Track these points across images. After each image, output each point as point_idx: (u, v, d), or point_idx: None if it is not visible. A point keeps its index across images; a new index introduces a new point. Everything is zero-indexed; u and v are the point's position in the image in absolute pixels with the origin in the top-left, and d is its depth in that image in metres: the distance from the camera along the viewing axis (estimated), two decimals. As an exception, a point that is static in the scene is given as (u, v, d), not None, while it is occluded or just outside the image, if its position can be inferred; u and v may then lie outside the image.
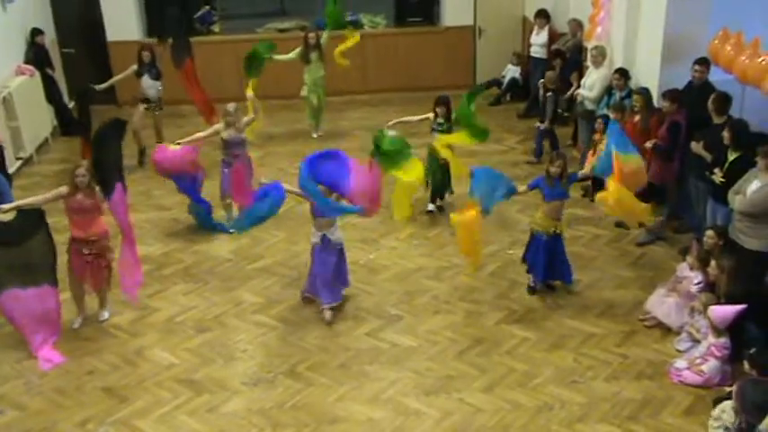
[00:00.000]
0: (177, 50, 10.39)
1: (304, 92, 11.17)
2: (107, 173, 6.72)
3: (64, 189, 6.68)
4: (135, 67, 10.24)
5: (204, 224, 8.72)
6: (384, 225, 8.73)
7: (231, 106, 8.52)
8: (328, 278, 6.99)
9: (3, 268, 6.56)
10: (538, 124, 10.33)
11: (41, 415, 5.99)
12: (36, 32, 11.28)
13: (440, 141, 8.30)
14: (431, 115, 8.74)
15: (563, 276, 7.34)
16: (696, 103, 7.56)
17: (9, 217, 6.61)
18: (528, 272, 7.41)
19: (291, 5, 14.86)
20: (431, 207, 8.99)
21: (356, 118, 12.11)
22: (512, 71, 12.70)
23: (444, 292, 7.48)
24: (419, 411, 5.93)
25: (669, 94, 7.77)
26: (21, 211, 6.66)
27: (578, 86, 9.81)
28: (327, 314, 7.04)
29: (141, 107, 10.38)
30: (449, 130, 8.55)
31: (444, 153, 8.23)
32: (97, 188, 6.75)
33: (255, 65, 10.31)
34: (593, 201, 9.09)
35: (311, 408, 6.01)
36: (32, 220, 6.66)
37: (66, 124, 11.76)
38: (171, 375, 6.40)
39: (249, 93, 9.75)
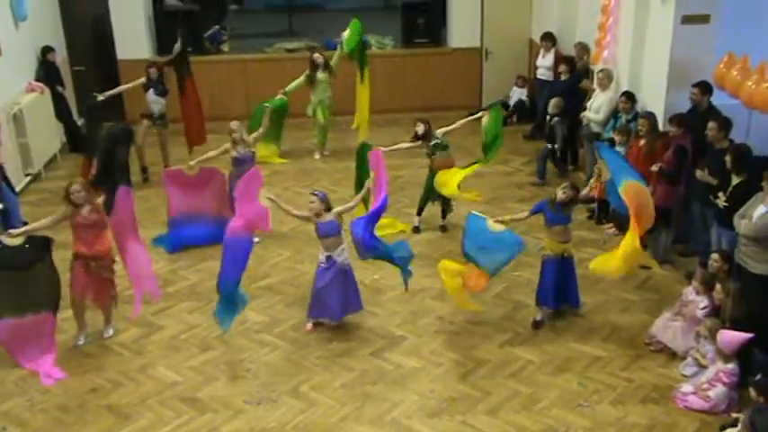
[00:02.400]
0: (179, 75, 10.51)
1: (309, 111, 11.23)
2: (114, 173, 6.69)
3: (68, 210, 6.71)
4: (144, 80, 10.34)
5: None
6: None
7: (234, 124, 8.63)
8: (323, 292, 6.99)
9: (3, 294, 6.57)
10: (547, 146, 10.31)
11: (43, 432, 5.99)
12: (47, 50, 11.39)
13: (447, 180, 8.40)
14: (419, 143, 8.80)
15: (572, 300, 7.30)
16: (701, 128, 7.58)
17: (17, 242, 6.62)
18: (537, 303, 7.28)
19: (299, 26, 14.98)
20: (443, 222, 9.08)
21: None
22: (518, 93, 12.76)
23: (449, 313, 7.45)
24: (422, 433, 5.91)
25: (676, 119, 7.79)
26: (29, 236, 6.68)
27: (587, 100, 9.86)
28: (309, 325, 7.16)
29: (145, 122, 10.47)
30: (437, 149, 8.66)
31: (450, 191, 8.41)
32: (100, 200, 6.79)
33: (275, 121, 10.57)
34: (598, 223, 9.14)
35: (314, 428, 5.99)
36: (38, 247, 6.67)
37: (75, 141, 11.84)
38: (174, 393, 6.39)
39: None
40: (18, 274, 6.60)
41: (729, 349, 6.02)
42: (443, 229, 9.07)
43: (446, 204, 9.02)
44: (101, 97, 10.28)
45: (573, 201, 7.05)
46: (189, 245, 8.67)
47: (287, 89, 10.94)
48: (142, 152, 10.61)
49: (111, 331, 7.16)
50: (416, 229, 9.08)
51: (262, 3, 17.04)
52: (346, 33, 10.86)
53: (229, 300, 6.67)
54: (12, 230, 6.72)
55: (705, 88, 7.92)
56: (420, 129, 8.71)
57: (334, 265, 6.98)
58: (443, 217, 9.10)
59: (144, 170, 10.67)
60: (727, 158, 6.89)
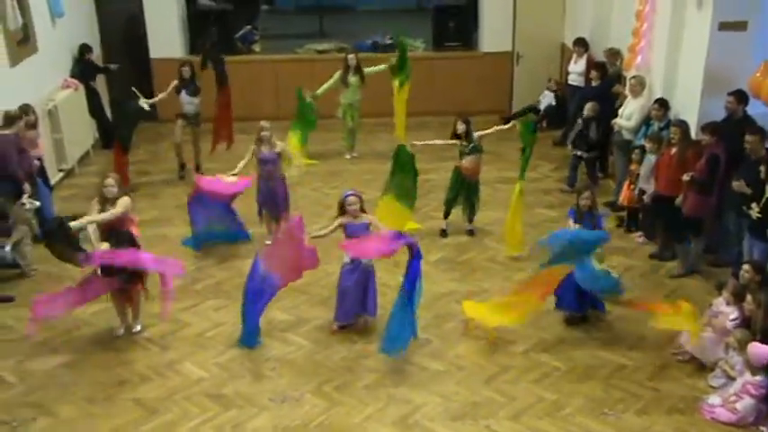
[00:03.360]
0: (220, 72, 10.67)
1: (340, 113, 11.28)
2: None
3: (98, 207, 6.80)
4: (176, 82, 10.44)
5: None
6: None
7: (265, 123, 8.65)
8: (346, 293, 7.04)
9: None
10: (578, 153, 10.19)
11: (72, 423, 6.07)
12: (85, 49, 11.55)
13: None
14: (456, 142, 8.80)
15: (596, 305, 7.25)
16: (735, 137, 7.49)
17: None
18: (556, 306, 7.28)
19: (330, 27, 15.03)
20: (469, 227, 9.06)
21: (392, 140, 12.14)
22: (548, 97, 12.67)
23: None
24: (445, 437, 5.91)
25: (709, 127, 7.70)
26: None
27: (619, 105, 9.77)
28: (334, 326, 7.23)
29: (180, 122, 10.57)
30: (473, 151, 8.65)
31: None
32: (121, 199, 6.86)
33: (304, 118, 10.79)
34: (627, 231, 9.05)
35: (337, 428, 6.02)
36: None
37: (108, 138, 11.99)
38: (200, 390, 6.45)
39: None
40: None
41: (759, 362, 5.94)
42: (471, 233, 9.05)
43: (472, 208, 9.00)
44: (143, 103, 10.28)
45: (593, 200, 7.11)
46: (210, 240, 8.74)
47: (318, 92, 10.99)
48: (180, 150, 10.73)
49: (138, 327, 7.24)
50: (443, 233, 9.07)
51: (292, 3, 17.13)
52: (394, 59, 11.03)
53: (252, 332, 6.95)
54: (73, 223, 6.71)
55: (741, 97, 7.81)
56: (461, 128, 8.69)
57: (360, 266, 7.00)
58: (470, 221, 9.07)
59: (182, 167, 10.80)
60: (762, 168, 6.81)
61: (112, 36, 12.93)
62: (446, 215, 9.11)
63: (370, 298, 7.14)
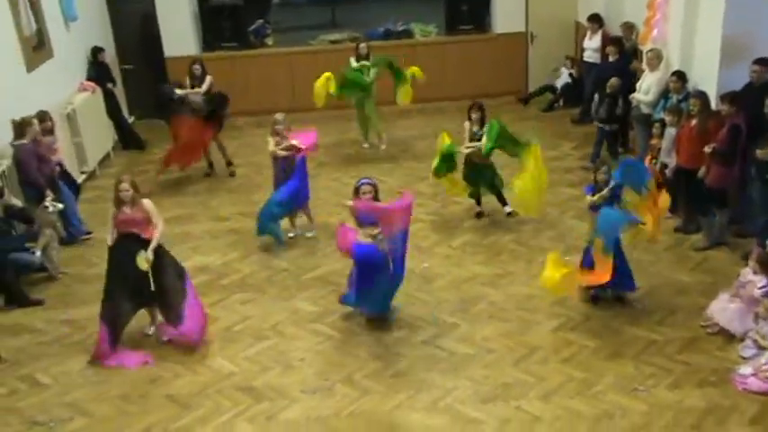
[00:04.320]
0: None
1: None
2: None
3: (114, 211, 6.80)
4: (187, 80, 10.48)
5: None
6: (436, 233, 8.75)
7: (280, 115, 8.64)
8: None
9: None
10: (607, 127, 10.07)
11: (108, 422, 6.15)
12: (97, 50, 11.63)
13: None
14: (466, 124, 8.78)
15: (624, 286, 7.15)
16: (756, 105, 7.39)
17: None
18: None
19: (342, 17, 15.00)
20: (508, 209, 8.97)
21: (409, 126, 12.16)
22: (564, 75, 12.59)
23: (500, 299, 7.44)
24: (477, 419, 5.91)
25: (728, 97, 7.61)
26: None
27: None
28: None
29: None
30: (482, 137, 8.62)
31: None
32: (145, 201, 6.89)
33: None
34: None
35: (369, 416, 6.05)
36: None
37: (126, 139, 12.09)
38: (231, 383, 6.51)
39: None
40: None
41: (790, 330, 5.89)
42: (510, 215, 8.93)
43: (497, 192, 8.92)
44: (179, 91, 10.37)
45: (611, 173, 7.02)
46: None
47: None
48: (207, 149, 10.74)
49: (152, 329, 7.21)
50: (479, 215, 9.06)
51: (304, -5, 17.11)
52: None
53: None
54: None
55: (767, 64, 7.71)
56: (475, 115, 8.70)
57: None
58: (503, 204, 8.99)
59: (210, 165, 10.84)
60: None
61: (126, 37, 13.00)
62: (478, 202, 9.08)
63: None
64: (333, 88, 10.60)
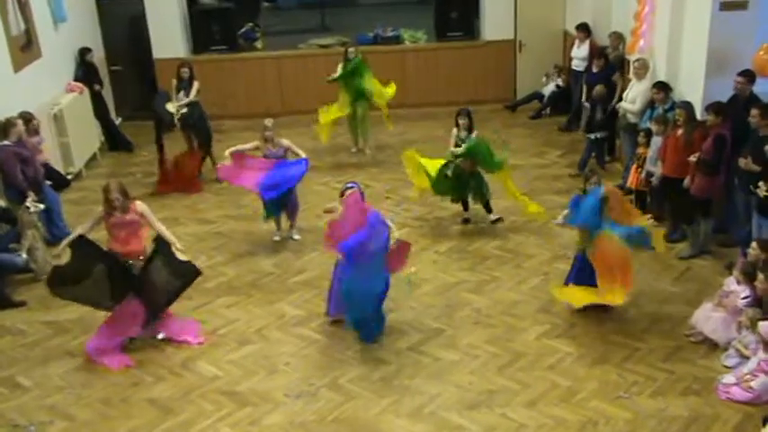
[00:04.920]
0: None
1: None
2: None
3: (100, 212, 6.79)
4: (175, 82, 10.45)
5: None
6: (423, 238, 8.76)
7: (269, 121, 8.64)
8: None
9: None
10: (595, 136, 10.13)
11: (89, 426, 6.10)
12: (85, 51, 11.58)
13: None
14: (454, 131, 8.83)
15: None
16: (740, 116, 7.45)
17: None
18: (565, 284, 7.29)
19: (332, 21, 15.04)
20: (493, 217, 9.02)
21: (396, 133, 12.16)
22: (551, 84, 12.65)
23: (485, 305, 7.45)
24: (461, 426, 5.91)
25: (713, 107, 7.67)
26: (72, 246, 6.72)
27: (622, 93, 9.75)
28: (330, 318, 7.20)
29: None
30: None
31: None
32: (137, 204, 6.86)
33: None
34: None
35: (353, 421, 6.03)
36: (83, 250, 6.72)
37: (113, 140, 12.03)
38: (215, 387, 6.47)
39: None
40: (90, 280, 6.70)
41: (772, 340, 5.93)
42: (496, 221, 8.98)
43: (483, 199, 8.94)
44: (171, 107, 10.30)
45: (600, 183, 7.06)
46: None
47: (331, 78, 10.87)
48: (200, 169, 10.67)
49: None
50: (466, 221, 9.11)
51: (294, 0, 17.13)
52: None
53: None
54: (55, 251, 6.72)
55: (752, 77, 7.78)
56: (462, 121, 8.78)
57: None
58: (489, 212, 9.01)
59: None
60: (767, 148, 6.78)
61: (115, 38, 12.97)
62: (465, 208, 9.12)
63: None
64: (334, 114, 10.74)
